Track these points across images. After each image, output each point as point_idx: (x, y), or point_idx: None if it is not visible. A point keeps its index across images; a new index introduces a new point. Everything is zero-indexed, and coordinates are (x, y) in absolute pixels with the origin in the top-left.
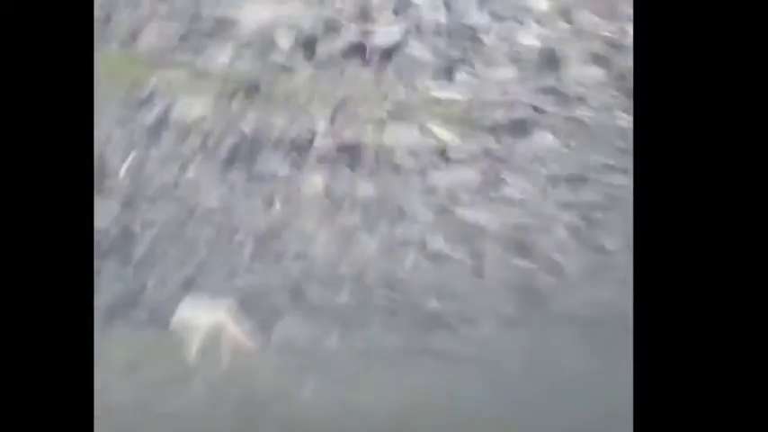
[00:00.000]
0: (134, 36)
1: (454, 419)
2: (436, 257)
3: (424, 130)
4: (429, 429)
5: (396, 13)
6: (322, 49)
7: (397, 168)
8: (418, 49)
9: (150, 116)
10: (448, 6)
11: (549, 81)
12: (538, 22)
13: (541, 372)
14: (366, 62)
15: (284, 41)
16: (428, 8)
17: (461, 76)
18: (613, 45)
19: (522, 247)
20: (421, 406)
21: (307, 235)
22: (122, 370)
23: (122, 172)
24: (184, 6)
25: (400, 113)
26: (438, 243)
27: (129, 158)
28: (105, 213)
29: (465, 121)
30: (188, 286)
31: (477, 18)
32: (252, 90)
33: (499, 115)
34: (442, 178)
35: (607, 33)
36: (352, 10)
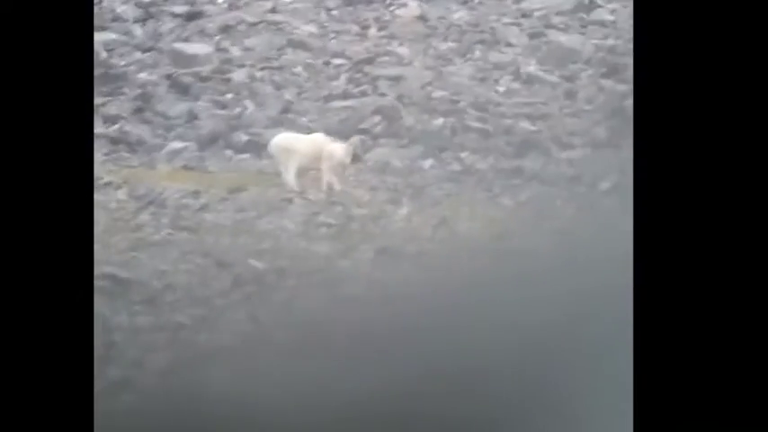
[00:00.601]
0: None
1: (546, 236)
2: (529, 81)
3: None
4: (521, 245)
5: None
6: None
7: None
8: None
9: None
10: None
11: None
12: None
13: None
14: None
15: None
16: None
17: None
18: None
19: (615, 70)
20: (514, 224)
21: (402, 60)
22: (224, 192)
23: None
24: None
25: None
26: (531, 67)
27: None
28: (204, 40)
29: None
30: (286, 111)
31: None
32: None
33: None
34: (536, 2)
35: None
36: None
